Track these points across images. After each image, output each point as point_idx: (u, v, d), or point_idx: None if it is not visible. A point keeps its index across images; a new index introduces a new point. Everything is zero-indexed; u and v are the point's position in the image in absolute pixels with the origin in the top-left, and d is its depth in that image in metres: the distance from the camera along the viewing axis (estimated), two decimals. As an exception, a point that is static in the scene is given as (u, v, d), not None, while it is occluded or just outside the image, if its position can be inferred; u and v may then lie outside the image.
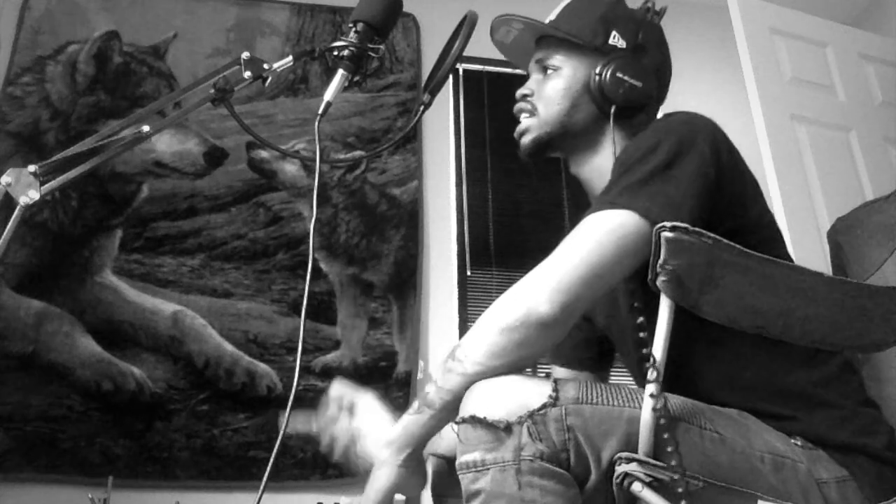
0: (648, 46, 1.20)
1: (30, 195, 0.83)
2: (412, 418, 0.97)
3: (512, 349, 0.92)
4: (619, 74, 1.14)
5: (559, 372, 1.33)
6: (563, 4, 1.25)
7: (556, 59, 1.21)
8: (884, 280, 1.24)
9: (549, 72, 1.21)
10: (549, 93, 1.20)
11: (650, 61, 1.19)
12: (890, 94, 2.67)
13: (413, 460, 0.98)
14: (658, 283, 0.85)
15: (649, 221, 0.92)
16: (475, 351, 0.93)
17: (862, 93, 2.63)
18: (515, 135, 1.24)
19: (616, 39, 1.18)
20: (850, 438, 0.95)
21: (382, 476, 0.97)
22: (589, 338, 1.31)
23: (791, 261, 1.07)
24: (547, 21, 1.25)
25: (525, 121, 1.22)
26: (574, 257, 0.94)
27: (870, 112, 2.61)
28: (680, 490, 0.82)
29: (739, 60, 2.46)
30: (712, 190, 0.98)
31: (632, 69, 1.15)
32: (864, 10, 3.33)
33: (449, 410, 0.93)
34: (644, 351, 0.88)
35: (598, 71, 1.16)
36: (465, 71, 3.01)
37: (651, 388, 0.84)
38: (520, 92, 1.24)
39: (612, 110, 1.15)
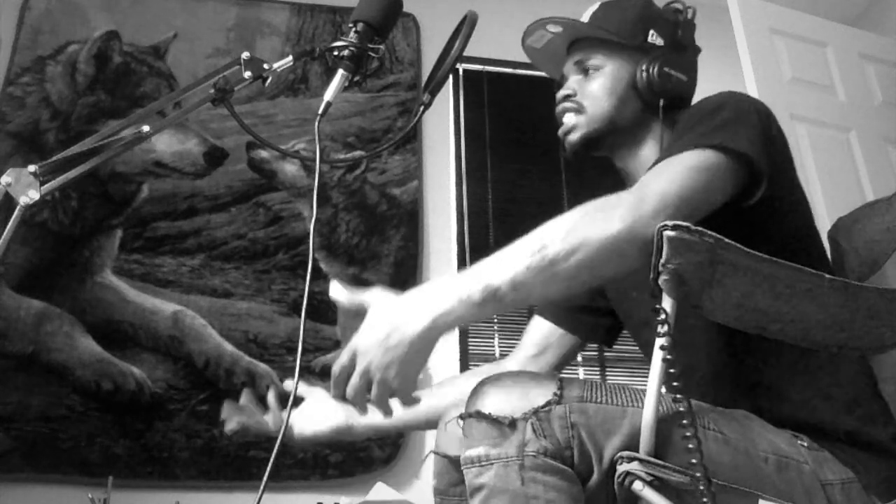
0: (686, 43, 1.23)
1: (30, 195, 0.83)
2: (473, 309, 0.86)
3: (602, 265, 0.88)
4: (665, 69, 1.18)
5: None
6: (591, 9, 1.28)
7: (598, 59, 1.23)
8: (884, 281, 1.24)
9: (591, 71, 1.23)
10: (596, 91, 1.22)
11: (690, 57, 1.23)
12: (890, 94, 2.67)
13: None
14: (660, 282, 0.85)
15: (733, 156, 0.94)
16: (570, 257, 0.86)
17: (862, 93, 2.63)
18: (560, 133, 1.25)
19: (654, 38, 1.21)
20: (856, 424, 0.95)
21: (419, 358, 0.87)
22: (591, 306, 1.33)
23: (817, 234, 1.11)
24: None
25: (571, 119, 1.23)
26: (673, 186, 0.91)
27: (870, 112, 2.61)
28: (697, 489, 0.82)
29: (739, 60, 2.46)
30: (771, 144, 1.00)
31: (676, 64, 1.19)
32: (864, 10, 3.33)
33: (514, 307, 0.89)
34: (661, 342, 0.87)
35: (644, 67, 1.19)
36: (465, 71, 3.01)
37: (654, 384, 0.84)
38: (562, 93, 1.25)
39: (662, 104, 1.18)
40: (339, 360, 0.88)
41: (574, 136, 1.22)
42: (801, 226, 1.09)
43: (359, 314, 0.91)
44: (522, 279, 0.85)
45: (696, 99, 1.16)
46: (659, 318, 0.84)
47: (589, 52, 1.24)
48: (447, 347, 2.55)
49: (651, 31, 1.21)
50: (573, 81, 1.25)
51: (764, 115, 1.02)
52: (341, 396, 0.88)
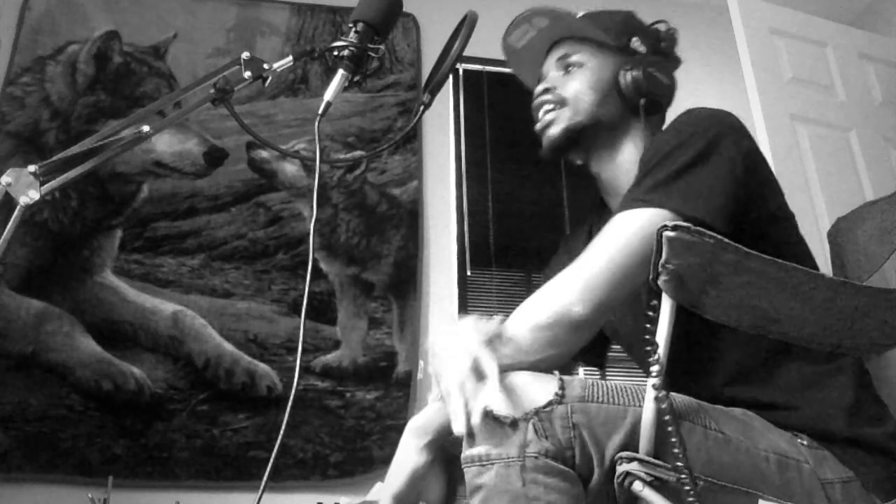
0: (668, 53, 1.24)
1: (30, 195, 0.83)
2: (435, 405, 0.97)
3: (541, 347, 0.93)
4: (649, 70, 1.18)
5: None
6: (578, 14, 1.27)
7: (581, 56, 1.23)
8: (884, 281, 1.24)
9: (573, 68, 1.23)
10: (579, 85, 1.21)
11: (671, 66, 1.24)
12: (890, 94, 2.67)
13: (434, 447, 0.97)
14: (659, 282, 0.85)
15: (681, 219, 0.92)
16: (504, 346, 0.93)
17: (862, 93, 2.63)
18: (538, 128, 1.23)
19: (637, 44, 1.22)
20: (855, 429, 0.95)
21: (403, 460, 0.97)
22: None
23: (808, 251, 1.10)
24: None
25: (550, 113, 1.22)
26: (604, 258, 0.95)
27: (870, 112, 2.61)
28: (683, 489, 0.82)
29: (739, 60, 2.46)
30: (740, 184, 0.99)
31: (659, 67, 1.19)
32: (864, 10, 3.33)
33: None
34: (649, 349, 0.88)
35: (628, 67, 1.19)
36: (465, 71, 3.01)
37: (653, 384, 0.84)
38: (541, 87, 1.24)
39: (642, 103, 1.17)
40: None
41: (554, 130, 1.21)
42: (789, 234, 1.09)
43: None
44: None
45: (674, 109, 1.16)
46: (651, 318, 0.84)
47: (573, 48, 1.24)
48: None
49: (635, 38, 1.22)
50: (553, 77, 1.24)
51: (735, 140, 1.01)
52: None
